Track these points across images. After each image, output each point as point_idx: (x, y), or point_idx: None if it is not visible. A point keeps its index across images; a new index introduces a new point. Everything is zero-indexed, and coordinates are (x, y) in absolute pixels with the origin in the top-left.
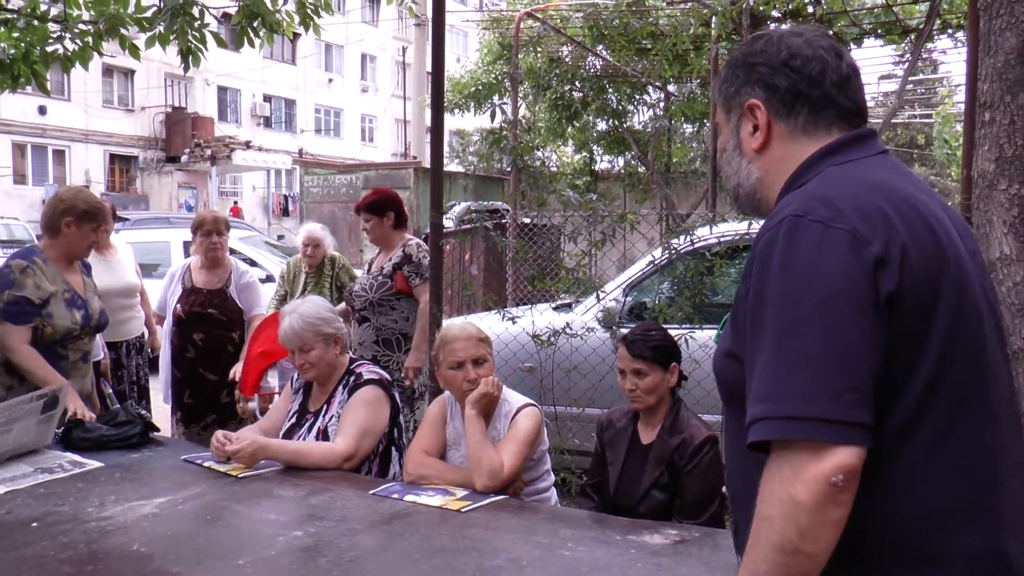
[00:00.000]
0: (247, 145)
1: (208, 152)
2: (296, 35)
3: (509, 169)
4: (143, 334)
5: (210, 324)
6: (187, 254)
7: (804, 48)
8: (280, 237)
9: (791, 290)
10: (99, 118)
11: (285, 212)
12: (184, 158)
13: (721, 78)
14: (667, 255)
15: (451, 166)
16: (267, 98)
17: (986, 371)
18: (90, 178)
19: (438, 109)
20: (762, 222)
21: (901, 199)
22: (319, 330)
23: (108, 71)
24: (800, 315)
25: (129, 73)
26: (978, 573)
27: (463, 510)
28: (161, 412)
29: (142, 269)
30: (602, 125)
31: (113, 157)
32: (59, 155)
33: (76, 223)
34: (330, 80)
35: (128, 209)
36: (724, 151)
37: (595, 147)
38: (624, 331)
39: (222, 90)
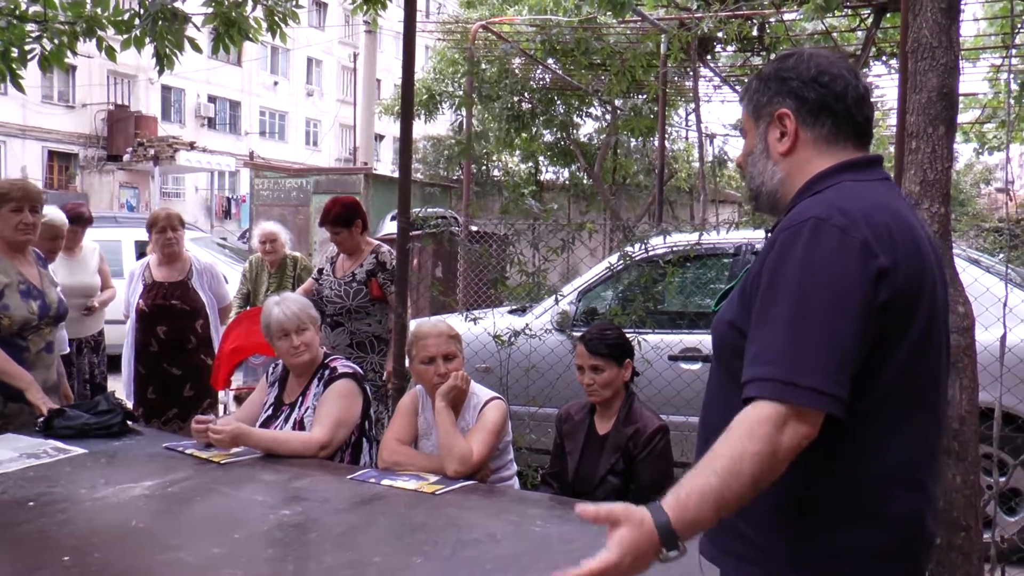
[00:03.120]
0: (191, 146)
1: (151, 152)
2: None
3: (456, 177)
4: (101, 332)
5: (173, 316)
6: (138, 253)
7: (831, 67)
8: (223, 239)
9: (808, 282)
10: (37, 113)
11: (227, 214)
12: (126, 157)
13: (752, 89)
14: (623, 262)
15: (397, 173)
16: (212, 99)
17: (939, 369)
18: (27, 174)
19: (407, 122)
20: (722, 233)
21: (901, 221)
22: (310, 313)
23: (45, 68)
24: (813, 304)
25: (70, 69)
26: (908, 531)
27: (437, 493)
28: None
29: None
30: (549, 136)
31: (52, 154)
32: None
33: None
34: (276, 83)
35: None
36: (750, 154)
37: (541, 158)
38: (578, 333)
39: (166, 89)
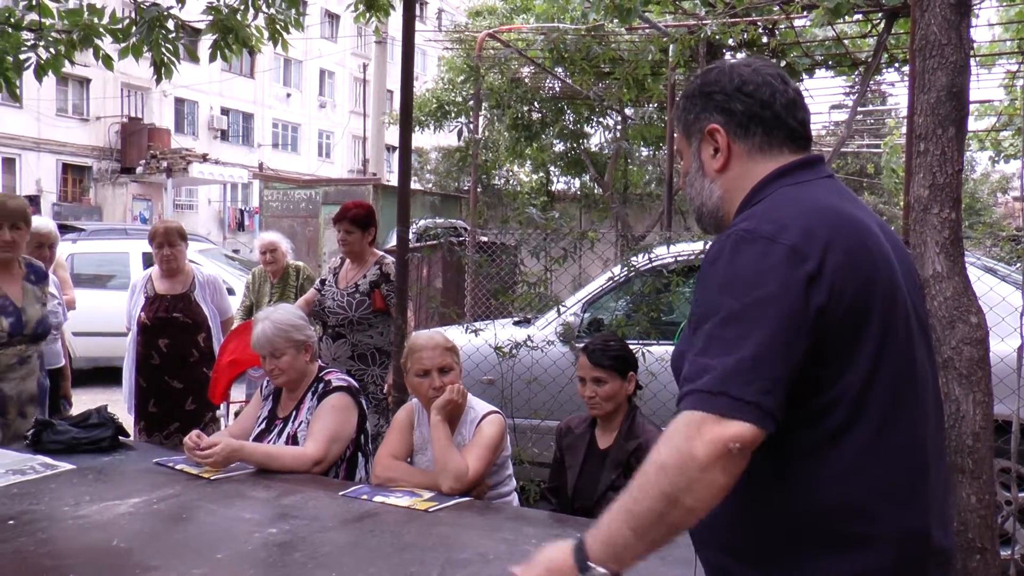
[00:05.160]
0: (204, 158)
1: (164, 164)
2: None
3: (468, 188)
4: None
5: (175, 328)
6: (146, 265)
7: (754, 76)
8: (235, 251)
9: (731, 290)
10: (52, 126)
11: (241, 226)
12: (139, 170)
13: (680, 108)
14: (626, 272)
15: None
16: (225, 111)
17: (916, 376)
18: (41, 187)
19: (406, 128)
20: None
21: (843, 220)
22: (290, 336)
23: (63, 79)
24: (734, 314)
25: (84, 82)
26: (906, 550)
27: (430, 510)
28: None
29: (99, 280)
30: (559, 146)
31: (66, 167)
32: (8, 163)
33: None
34: (288, 95)
35: (81, 220)
36: (687, 175)
37: (552, 168)
38: (582, 345)
39: (179, 102)
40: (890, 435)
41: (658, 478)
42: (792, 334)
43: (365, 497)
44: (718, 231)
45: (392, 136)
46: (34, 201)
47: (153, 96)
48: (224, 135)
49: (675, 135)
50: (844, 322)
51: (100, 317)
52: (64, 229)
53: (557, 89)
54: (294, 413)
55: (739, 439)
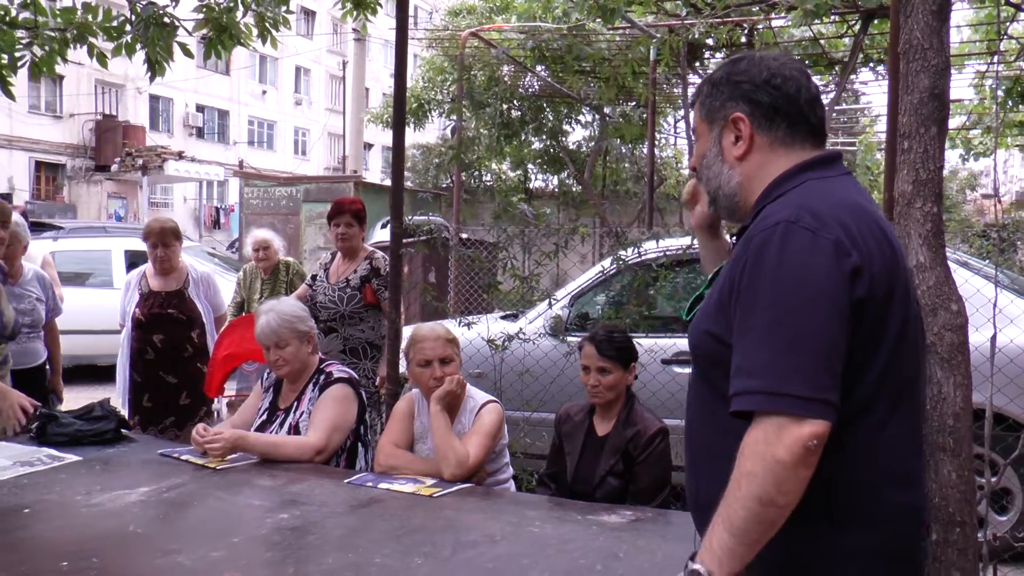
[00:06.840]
0: (179, 155)
1: (139, 162)
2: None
3: (447, 184)
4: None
5: (170, 325)
6: (128, 263)
7: (782, 69)
8: (212, 248)
9: (783, 286)
10: (25, 124)
11: (217, 224)
12: (114, 167)
13: (704, 93)
14: (616, 266)
15: (386, 181)
16: (200, 108)
17: (918, 368)
18: (14, 185)
19: (399, 127)
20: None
21: (868, 217)
22: (295, 327)
23: (35, 75)
24: (790, 308)
25: (58, 78)
26: (906, 528)
27: (434, 495)
28: None
29: (80, 278)
30: (538, 144)
31: (39, 164)
32: None
33: None
34: (264, 92)
35: (55, 218)
36: (704, 157)
37: (531, 165)
38: (573, 338)
39: (154, 99)
40: (896, 420)
41: (749, 486)
42: (842, 327)
43: (370, 484)
44: (730, 216)
45: (370, 134)
46: (7, 199)
47: (127, 93)
48: (200, 132)
49: (693, 117)
50: (875, 314)
51: (82, 315)
52: (41, 227)
53: (536, 87)
54: (295, 404)
55: (816, 436)
